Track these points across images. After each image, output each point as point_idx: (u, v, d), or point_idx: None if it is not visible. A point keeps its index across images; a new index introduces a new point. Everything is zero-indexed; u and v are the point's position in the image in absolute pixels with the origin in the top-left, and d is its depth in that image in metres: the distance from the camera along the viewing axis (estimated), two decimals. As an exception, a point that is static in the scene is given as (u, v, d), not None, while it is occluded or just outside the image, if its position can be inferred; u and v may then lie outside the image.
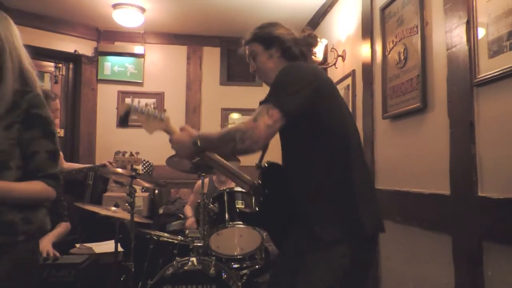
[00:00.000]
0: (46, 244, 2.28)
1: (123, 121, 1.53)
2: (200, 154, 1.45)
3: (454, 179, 1.86)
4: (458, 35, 1.83)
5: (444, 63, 1.94)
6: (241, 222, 2.41)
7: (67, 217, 2.56)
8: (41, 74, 4.57)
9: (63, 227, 2.51)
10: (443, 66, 1.95)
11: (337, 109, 1.38)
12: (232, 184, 3.23)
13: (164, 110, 1.54)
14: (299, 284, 1.32)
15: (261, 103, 1.31)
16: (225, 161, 1.56)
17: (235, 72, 4.85)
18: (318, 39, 1.59)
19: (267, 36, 1.53)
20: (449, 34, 1.90)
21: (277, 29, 1.54)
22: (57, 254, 2.26)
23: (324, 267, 1.28)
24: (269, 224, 1.56)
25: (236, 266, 2.49)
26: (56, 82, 4.47)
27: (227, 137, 1.30)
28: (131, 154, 2.99)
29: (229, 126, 1.42)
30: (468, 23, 1.75)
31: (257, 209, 1.56)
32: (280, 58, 1.52)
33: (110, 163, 3.04)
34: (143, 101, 5.16)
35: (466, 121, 1.77)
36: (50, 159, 1.35)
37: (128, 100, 1.28)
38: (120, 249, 2.64)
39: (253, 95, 4.91)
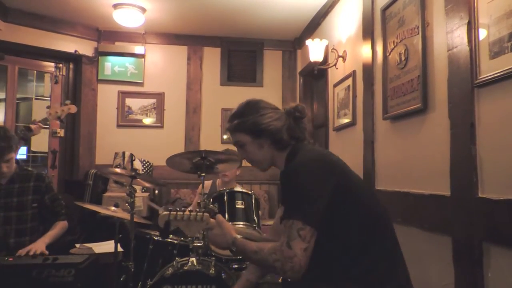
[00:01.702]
0: (40, 245, 2.26)
1: (165, 232, 1.59)
2: None
3: (454, 180, 1.86)
4: (459, 36, 1.82)
5: (445, 64, 1.94)
6: (241, 222, 2.41)
7: (64, 216, 2.54)
8: (41, 74, 4.58)
9: (59, 227, 2.48)
10: (444, 67, 1.95)
11: (354, 192, 1.34)
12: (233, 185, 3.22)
13: (203, 212, 1.49)
14: None
15: (285, 216, 1.26)
16: None
17: (236, 72, 4.85)
18: (305, 111, 1.49)
19: (253, 127, 1.44)
20: (450, 35, 1.89)
21: (263, 118, 1.43)
22: (46, 253, 2.24)
23: None
24: None
25: (236, 266, 2.49)
26: (56, 82, 4.47)
27: (265, 263, 1.30)
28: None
29: (261, 250, 1.30)
30: (469, 24, 1.75)
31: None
32: (271, 146, 1.45)
33: (34, 122, 2.89)
34: (144, 101, 5.17)
35: (466, 122, 1.76)
36: None
37: (161, 209, 1.27)
38: (120, 249, 2.64)
39: (253, 96, 4.88)
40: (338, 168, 1.35)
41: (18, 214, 2.38)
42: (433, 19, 2.09)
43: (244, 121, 1.47)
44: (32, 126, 2.87)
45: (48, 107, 3.09)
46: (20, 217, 2.38)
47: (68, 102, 3.21)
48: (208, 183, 3.25)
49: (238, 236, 1.42)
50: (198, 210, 1.50)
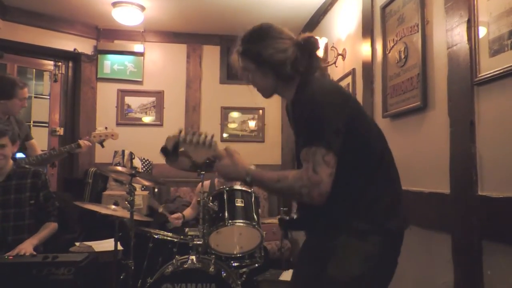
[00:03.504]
0: (27, 246, 2.24)
1: (172, 155, 1.44)
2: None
3: (454, 178, 1.86)
4: (459, 33, 1.82)
5: (445, 62, 1.94)
6: (241, 221, 2.41)
7: (55, 217, 2.52)
8: (41, 73, 4.57)
9: (48, 229, 2.45)
10: (444, 65, 1.95)
11: (363, 124, 1.40)
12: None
13: (212, 136, 1.45)
14: (331, 270, 1.33)
15: (307, 144, 1.27)
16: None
17: (235, 70, 4.83)
18: (318, 40, 1.47)
19: (256, 57, 1.43)
20: (449, 33, 1.89)
21: (266, 49, 1.40)
22: (34, 253, 2.23)
23: (358, 255, 1.32)
24: (303, 225, 1.55)
25: (235, 264, 2.49)
26: (55, 81, 4.47)
27: (290, 191, 1.30)
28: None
29: (284, 179, 1.31)
30: (469, 21, 1.75)
31: (294, 216, 1.55)
32: (274, 77, 1.44)
33: (86, 139, 3.09)
34: (143, 100, 5.20)
35: (466, 120, 1.76)
36: None
37: (170, 132, 1.22)
38: (119, 247, 2.64)
39: (253, 94, 4.89)
40: (351, 100, 1.41)
41: (16, 211, 2.38)
42: (433, 17, 2.09)
43: (249, 49, 1.45)
44: (82, 143, 3.06)
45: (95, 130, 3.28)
46: (18, 214, 2.38)
47: (111, 129, 3.28)
48: (206, 183, 3.25)
49: (252, 166, 1.38)
50: (207, 136, 1.43)
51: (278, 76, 1.43)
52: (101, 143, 3.22)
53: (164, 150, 1.43)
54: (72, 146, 3.09)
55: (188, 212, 3.45)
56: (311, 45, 1.44)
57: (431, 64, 2.09)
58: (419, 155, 2.19)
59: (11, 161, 2.45)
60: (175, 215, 3.30)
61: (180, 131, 1.44)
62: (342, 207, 1.35)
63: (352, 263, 1.32)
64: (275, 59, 1.40)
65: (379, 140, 1.43)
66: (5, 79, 3.15)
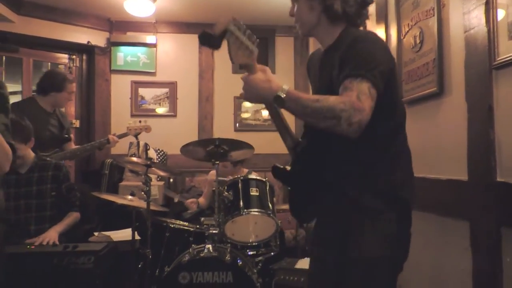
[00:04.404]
0: (52, 234, 2.32)
1: (215, 40, 1.26)
2: (272, 106, 1.33)
3: (472, 164, 1.83)
4: (476, 16, 1.78)
5: (462, 46, 1.90)
6: (256, 209, 2.42)
7: (77, 208, 2.59)
8: (55, 66, 4.62)
9: (72, 218, 2.54)
10: (461, 49, 1.91)
11: (396, 88, 1.41)
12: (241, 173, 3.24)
13: (257, 40, 1.28)
14: (351, 252, 1.32)
15: (353, 75, 1.21)
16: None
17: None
18: None
19: None
20: (467, 16, 1.85)
21: None
22: (57, 243, 2.29)
23: (376, 234, 1.30)
24: (297, 186, 1.50)
25: (251, 253, 2.51)
26: (70, 74, 4.51)
27: (329, 113, 1.17)
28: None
29: (325, 99, 1.19)
30: (487, 4, 1.70)
31: (288, 168, 1.50)
32: (321, 14, 1.38)
33: (114, 135, 3.20)
34: (157, 91, 5.25)
35: (484, 105, 1.73)
36: (6, 130, 1.43)
37: (223, 20, 1.11)
38: (137, 237, 2.69)
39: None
40: (394, 59, 1.41)
41: (38, 202, 2.44)
42: (449, 0, 2.04)
43: None
44: (111, 138, 3.23)
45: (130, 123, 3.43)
46: (40, 205, 2.45)
47: (145, 120, 3.49)
48: (213, 172, 3.29)
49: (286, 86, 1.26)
50: (251, 36, 1.27)
51: (325, 11, 1.37)
52: (136, 136, 3.38)
53: (206, 35, 1.27)
54: (102, 141, 3.26)
55: (201, 201, 3.50)
56: None
57: (448, 48, 2.04)
58: (436, 141, 2.16)
59: (32, 154, 2.50)
60: (190, 200, 3.37)
61: (234, 19, 1.25)
62: (354, 179, 1.34)
63: (371, 243, 1.30)
64: None
65: (403, 109, 1.43)
66: (56, 72, 3.39)
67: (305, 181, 1.45)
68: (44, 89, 3.14)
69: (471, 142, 1.83)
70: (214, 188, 2.55)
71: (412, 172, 1.43)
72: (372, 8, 2.97)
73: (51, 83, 3.13)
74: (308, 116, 1.24)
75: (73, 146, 3.30)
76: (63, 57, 4.53)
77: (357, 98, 1.17)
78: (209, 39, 1.27)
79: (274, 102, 1.24)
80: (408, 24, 2.39)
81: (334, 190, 1.38)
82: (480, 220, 1.77)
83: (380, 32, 2.80)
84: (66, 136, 3.23)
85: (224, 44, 1.27)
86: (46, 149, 3.02)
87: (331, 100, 1.19)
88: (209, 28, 1.27)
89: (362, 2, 1.41)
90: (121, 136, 3.36)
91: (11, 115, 1.46)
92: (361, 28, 1.46)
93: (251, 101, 1.35)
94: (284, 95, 1.21)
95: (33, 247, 2.18)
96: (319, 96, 1.22)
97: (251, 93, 1.29)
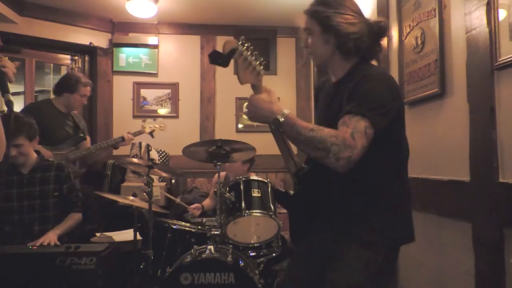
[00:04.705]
0: (51, 236, 2.31)
1: (224, 59, 1.29)
2: (273, 128, 1.36)
3: (474, 165, 1.83)
4: (477, 17, 1.78)
5: (463, 47, 1.89)
6: (258, 211, 2.42)
7: (79, 208, 2.59)
8: (58, 67, 4.63)
9: (73, 219, 2.52)
10: (462, 50, 1.91)
11: (403, 126, 1.42)
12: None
13: (263, 62, 1.32)
14: (330, 274, 1.35)
15: (353, 112, 1.24)
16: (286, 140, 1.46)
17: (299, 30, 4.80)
18: (386, 30, 1.44)
19: (325, 20, 1.38)
20: (468, 17, 1.85)
21: (338, 16, 1.37)
22: (58, 243, 2.29)
23: (359, 261, 1.32)
24: (297, 211, 1.53)
25: (253, 254, 2.51)
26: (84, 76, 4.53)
27: (320, 144, 1.21)
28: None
29: (319, 130, 1.24)
30: (488, 4, 1.70)
31: (291, 192, 1.52)
32: (335, 47, 1.40)
33: (128, 133, 3.25)
34: (159, 92, 5.26)
35: (486, 106, 1.73)
36: None
37: (230, 39, 1.12)
38: (139, 237, 2.69)
39: (268, 84, 4.86)
40: (401, 98, 1.44)
41: (41, 202, 2.45)
42: (450, 1, 2.04)
43: (320, 10, 1.40)
44: (126, 136, 3.28)
45: (144, 121, 3.49)
46: (43, 205, 2.45)
47: (160, 119, 3.56)
48: (222, 174, 3.28)
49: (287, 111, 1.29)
50: (257, 57, 1.31)
51: (338, 48, 1.39)
52: (151, 133, 3.44)
53: (215, 53, 1.31)
54: (117, 139, 3.32)
55: (207, 202, 3.50)
56: (381, 30, 1.42)
57: (449, 49, 2.04)
58: (438, 142, 2.15)
59: (34, 155, 2.51)
60: (194, 205, 3.36)
61: (242, 40, 1.30)
62: (353, 213, 1.36)
63: (352, 269, 1.32)
64: (342, 29, 1.36)
65: (407, 148, 1.45)
66: (71, 74, 3.47)
67: (304, 206, 1.48)
68: (58, 90, 3.26)
69: (473, 143, 1.83)
70: (215, 189, 2.55)
71: (410, 210, 1.45)
72: (373, 9, 2.98)
73: (65, 84, 3.24)
74: (300, 143, 1.27)
75: (88, 146, 3.34)
76: (66, 58, 4.54)
77: (350, 135, 1.20)
78: (218, 57, 1.31)
79: (272, 124, 1.28)
80: (410, 25, 2.39)
81: (332, 219, 1.41)
82: (483, 221, 1.76)
83: (382, 33, 2.80)
84: (82, 135, 3.27)
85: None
86: (62, 148, 3.06)
87: (324, 132, 1.22)
88: (215, 31, 1.29)
89: (375, 38, 1.42)
90: (136, 133, 3.41)
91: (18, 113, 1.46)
92: (375, 62, 1.49)
93: (252, 120, 1.39)
94: (283, 119, 1.26)
95: (35, 247, 2.18)
96: (315, 126, 1.26)
97: (253, 112, 1.34)
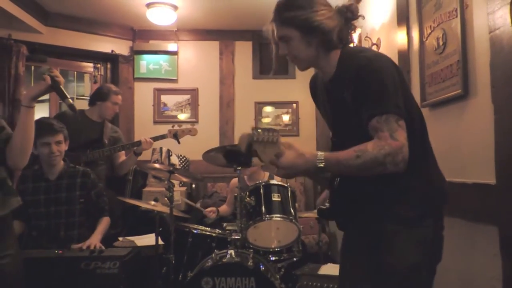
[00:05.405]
0: (95, 241, 2.39)
1: (245, 159, 1.32)
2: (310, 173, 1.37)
3: (500, 167, 1.78)
4: (501, 16, 1.73)
5: (487, 47, 1.85)
6: (278, 215, 2.42)
7: (107, 212, 2.66)
8: (81, 75, 4.76)
9: (105, 223, 2.61)
10: (486, 50, 1.86)
11: (409, 96, 1.42)
12: (263, 178, 3.24)
13: (277, 132, 1.27)
14: (387, 259, 1.33)
15: (377, 113, 1.24)
16: None
17: (268, 65, 4.83)
18: (357, 12, 1.43)
19: (305, 24, 1.36)
20: (491, 16, 1.80)
21: (316, 15, 1.35)
22: (103, 248, 2.36)
23: (412, 241, 1.32)
24: (339, 214, 1.51)
25: (273, 258, 2.50)
26: (95, 82, 4.63)
27: (374, 163, 1.21)
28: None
29: (363, 151, 1.22)
30: (512, 3, 1.66)
31: (327, 204, 1.49)
32: (319, 46, 1.39)
33: (146, 140, 3.29)
34: (178, 98, 5.26)
35: (511, 106, 1.68)
36: None
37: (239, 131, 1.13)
38: (160, 242, 2.72)
39: (286, 88, 4.89)
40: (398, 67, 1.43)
41: (67, 208, 2.51)
42: (472, 1, 2.00)
43: (296, 16, 1.37)
44: (142, 140, 3.26)
45: (173, 126, 3.39)
46: (69, 211, 2.51)
47: (190, 125, 3.45)
48: (235, 180, 3.29)
49: (320, 152, 1.27)
50: (270, 130, 1.27)
51: (322, 45, 1.38)
52: (177, 138, 3.31)
53: (231, 153, 1.33)
54: (134, 143, 3.37)
55: (223, 208, 3.52)
56: (353, 13, 1.42)
57: (472, 49, 2.00)
58: (462, 144, 2.11)
59: (62, 161, 2.58)
60: (209, 209, 3.40)
61: (253, 129, 1.27)
62: (392, 193, 1.35)
63: (408, 250, 1.32)
64: (325, 26, 1.35)
65: (420, 114, 1.44)
66: (104, 85, 3.68)
67: (344, 200, 1.45)
68: (92, 100, 3.40)
69: (498, 144, 1.78)
70: (236, 194, 2.56)
71: (441, 172, 1.47)
72: (392, 11, 2.95)
73: (98, 93, 3.39)
74: (353, 173, 1.26)
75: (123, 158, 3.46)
76: (89, 66, 4.66)
77: (391, 137, 1.21)
78: (236, 158, 1.32)
79: (315, 172, 1.27)
80: (431, 26, 2.35)
81: (372, 203, 1.38)
82: (510, 224, 1.71)
83: (402, 34, 2.77)
84: (104, 141, 3.32)
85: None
86: (78, 150, 3.10)
87: (369, 150, 1.21)
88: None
89: (350, 24, 1.43)
90: (157, 138, 3.36)
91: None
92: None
93: (291, 177, 1.40)
94: (324, 164, 1.23)
95: (60, 251, 2.23)
96: (356, 151, 1.22)
97: (293, 173, 1.31)
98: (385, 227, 1.34)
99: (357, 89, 1.30)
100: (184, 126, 3.37)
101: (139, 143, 3.28)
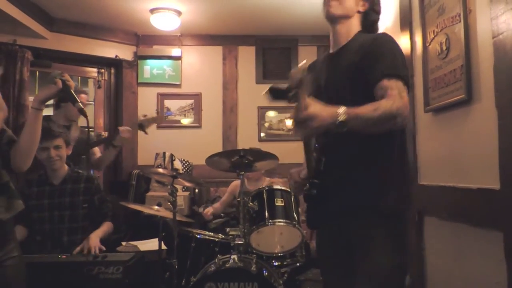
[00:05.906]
0: (95, 240, 2.38)
1: (293, 93, 1.18)
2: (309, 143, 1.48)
3: (504, 172, 1.77)
4: (505, 21, 1.73)
5: (490, 52, 1.85)
6: (281, 220, 2.41)
7: (110, 218, 2.65)
8: (85, 80, 4.79)
9: (107, 226, 2.61)
10: (489, 55, 1.86)
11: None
12: (263, 183, 3.25)
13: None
14: (371, 257, 1.40)
15: (390, 76, 1.36)
16: None
17: (271, 70, 4.85)
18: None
19: None
20: (495, 21, 1.80)
21: None
22: (103, 247, 2.35)
23: (390, 235, 1.42)
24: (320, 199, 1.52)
25: (277, 263, 2.50)
26: (99, 87, 4.66)
27: (388, 115, 1.29)
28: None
29: (379, 105, 1.29)
30: (515, 8, 1.66)
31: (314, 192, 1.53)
32: (359, 13, 1.60)
33: (123, 129, 3.14)
34: (182, 102, 5.24)
35: (516, 111, 1.68)
36: None
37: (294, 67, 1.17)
38: (163, 247, 2.72)
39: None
40: None
41: (70, 213, 2.51)
42: (475, 6, 2.00)
43: None
44: (120, 129, 3.13)
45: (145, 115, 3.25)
46: (72, 216, 2.51)
47: (156, 114, 3.45)
48: (237, 183, 3.29)
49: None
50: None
51: (362, 13, 1.59)
52: (144, 129, 3.16)
53: (276, 90, 1.29)
54: (111, 134, 3.33)
55: (216, 205, 3.57)
56: (380, 11, 1.69)
57: (475, 54, 2.00)
58: (465, 149, 2.10)
59: (66, 166, 2.58)
60: (206, 209, 3.50)
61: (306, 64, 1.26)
62: (372, 180, 1.42)
63: (387, 246, 1.40)
64: (377, 3, 1.64)
65: None
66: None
67: (327, 183, 1.48)
68: (56, 103, 3.19)
69: (502, 149, 1.78)
70: (238, 199, 2.56)
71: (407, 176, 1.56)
72: (395, 16, 2.96)
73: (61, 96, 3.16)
74: (370, 126, 1.30)
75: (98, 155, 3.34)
76: (93, 71, 4.68)
77: (399, 95, 1.32)
78: (282, 93, 1.26)
79: (337, 127, 1.23)
80: (434, 30, 2.35)
81: (354, 191, 1.44)
82: (514, 230, 1.70)
83: (405, 39, 2.77)
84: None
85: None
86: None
87: (383, 104, 1.30)
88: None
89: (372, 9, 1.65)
90: (133, 126, 3.23)
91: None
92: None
93: (310, 136, 1.47)
94: (345, 118, 1.23)
95: (64, 256, 2.23)
96: (373, 105, 1.30)
97: (315, 128, 1.23)
98: (364, 221, 1.41)
99: (373, 51, 1.43)
100: (149, 115, 3.21)
101: (117, 131, 3.13)
